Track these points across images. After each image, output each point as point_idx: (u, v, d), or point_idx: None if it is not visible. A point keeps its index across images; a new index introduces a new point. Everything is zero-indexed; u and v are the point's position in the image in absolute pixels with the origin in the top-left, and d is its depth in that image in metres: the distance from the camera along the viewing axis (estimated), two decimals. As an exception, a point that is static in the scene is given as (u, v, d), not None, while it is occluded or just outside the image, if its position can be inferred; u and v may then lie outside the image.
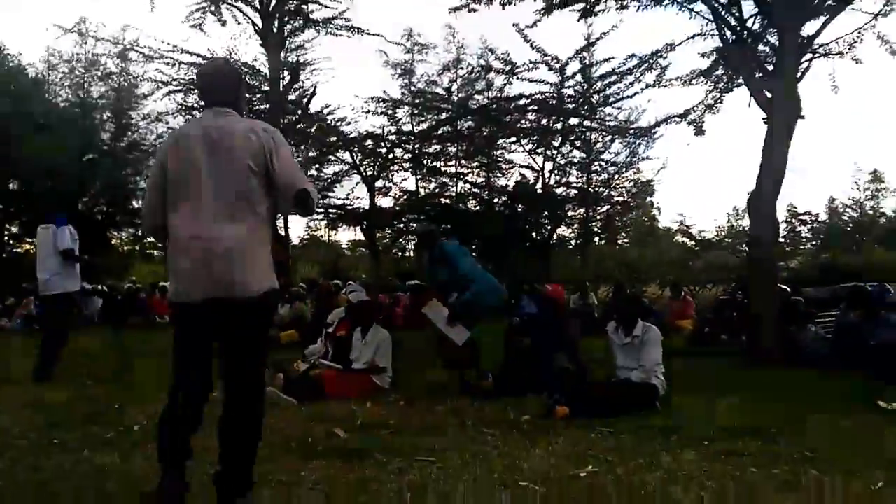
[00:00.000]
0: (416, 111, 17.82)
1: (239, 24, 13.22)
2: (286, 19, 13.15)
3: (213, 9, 13.06)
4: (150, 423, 4.63)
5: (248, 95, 15.13)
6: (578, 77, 16.25)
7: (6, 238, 23.23)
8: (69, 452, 3.83)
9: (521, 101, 15.18)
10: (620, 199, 18.79)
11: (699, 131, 11.20)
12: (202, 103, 3.05)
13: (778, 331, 7.87)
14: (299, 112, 15.01)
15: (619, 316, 5.67)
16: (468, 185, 19.16)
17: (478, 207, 18.58)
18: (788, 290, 8.88)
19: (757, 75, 8.71)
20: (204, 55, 13.94)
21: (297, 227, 34.45)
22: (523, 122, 16.14)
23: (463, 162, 18.70)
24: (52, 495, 3.12)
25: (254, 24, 12.66)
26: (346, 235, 35.46)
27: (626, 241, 24.91)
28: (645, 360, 5.30)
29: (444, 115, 16.91)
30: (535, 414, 4.80)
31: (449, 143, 17.17)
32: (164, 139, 2.87)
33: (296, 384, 5.77)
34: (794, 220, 28.37)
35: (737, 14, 8.73)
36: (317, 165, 20.11)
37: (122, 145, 22.72)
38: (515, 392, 5.50)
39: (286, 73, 14.53)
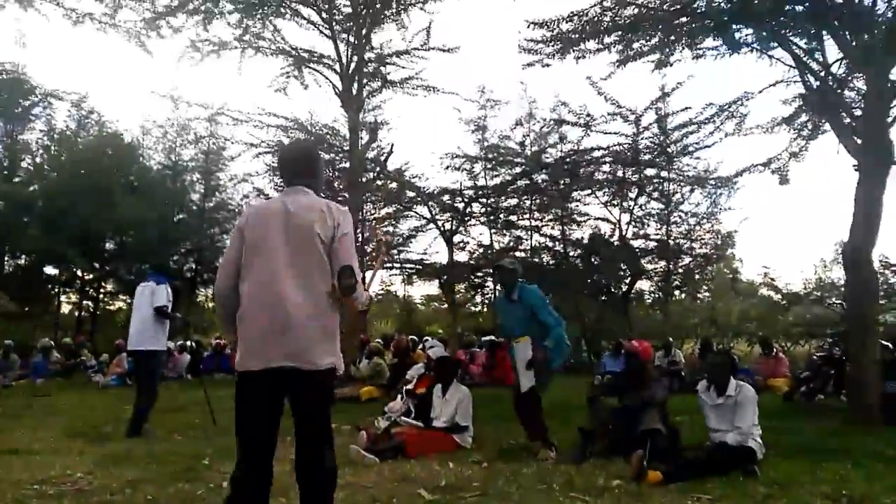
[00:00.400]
0: (489, 166, 18.03)
1: (320, 87, 13.76)
2: (365, 81, 13.62)
3: (296, 73, 13.66)
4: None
5: (330, 155, 15.84)
6: (654, 128, 16.17)
7: (101, 295, 24.58)
8: (163, 510, 3.91)
9: (597, 154, 15.14)
10: (702, 251, 18.27)
11: (784, 180, 10.83)
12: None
13: (880, 389, 7.36)
14: (378, 169, 15.41)
15: (711, 375, 5.43)
16: (543, 238, 19.08)
17: (552, 261, 18.41)
18: (890, 345, 8.31)
19: (845, 121, 8.39)
20: (289, 117, 14.61)
21: (372, 283, 34.94)
22: (598, 173, 16.05)
23: (537, 215, 18.67)
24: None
25: (334, 86, 13.13)
26: (420, 290, 35.68)
27: (707, 294, 24.11)
28: (741, 421, 5.04)
29: (517, 170, 17.02)
30: (625, 478, 4.60)
31: (525, 196, 17.20)
32: (246, 207, 3.03)
33: (378, 443, 5.76)
34: (886, 272, 26.70)
35: (820, 59, 8.49)
36: (392, 221, 20.56)
37: (210, 205, 23.86)
38: (601, 455, 5.32)
39: (365, 132, 15.02)
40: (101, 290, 24.45)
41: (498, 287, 21.23)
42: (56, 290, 26.29)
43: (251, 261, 2.91)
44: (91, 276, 23.40)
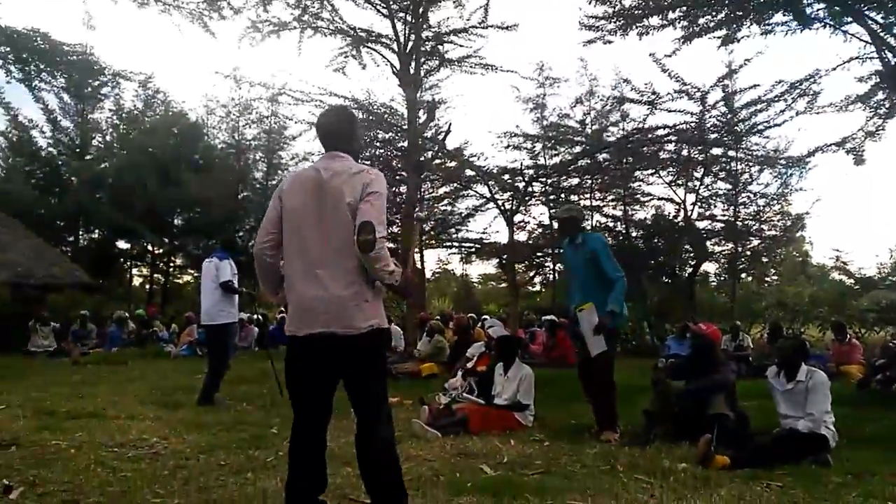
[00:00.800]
0: (549, 145, 17.78)
1: (378, 66, 13.77)
2: (423, 60, 13.55)
3: (354, 53, 13.69)
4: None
5: (389, 135, 15.89)
6: (721, 106, 15.64)
7: (170, 269, 25.50)
8: (235, 475, 4.04)
9: (661, 132, 14.76)
10: (771, 233, 17.64)
11: (859, 161, 10.37)
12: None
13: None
14: (436, 148, 15.39)
15: (781, 360, 5.25)
16: (604, 219, 18.77)
17: (614, 242, 18.10)
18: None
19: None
20: (348, 97, 14.72)
21: (429, 261, 35.19)
22: (663, 152, 15.64)
23: (598, 195, 18.36)
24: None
25: (392, 65, 13.13)
26: (478, 269, 35.61)
27: (776, 278, 23.35)
28: (812, 407, 4.88)
29: (578, 148, 16.73)
30: (691, 462, 4.49)
31: (586, 176, 16.94)
32: (285, 177, 3.08)
33: (440, 418, 5.80)
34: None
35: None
36: (449, 200, 20.54)
37: (272, 183, 24.35)
38: (666, 438, 5.22)
39: (423, 111, 14.98)
40: (171, 264, 25.38)
41: (558, 267, 21.09)
42: (128, 263, 27.39)
43: (288, 229, 2.97)
44: (161, 250, 24.30)
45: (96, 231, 25.52)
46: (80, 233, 25.78)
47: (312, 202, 2.91)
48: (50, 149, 26.12)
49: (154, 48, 54.53)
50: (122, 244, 26.22)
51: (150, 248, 24.92)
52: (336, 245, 2.85)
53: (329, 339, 2.82)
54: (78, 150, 25.78)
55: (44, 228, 23.13)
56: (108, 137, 26.53)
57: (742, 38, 9.24)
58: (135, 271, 27.74)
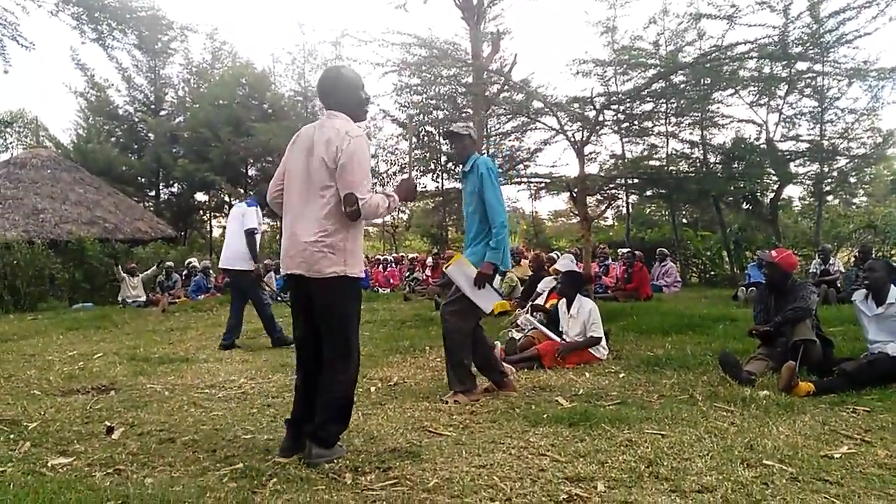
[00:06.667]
0: (620, 70, 17.06)
1: (439, -1, 13.48)
2: (485, -12, 13.14)
3: (415, -14, 13.44)
4: (384, 386, 4.97)
5: (452, 70, 15.61)
6: (806, 16, 14.54)
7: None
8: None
9: (741, 48, 13.90)
10: (859, 151, 16.55)
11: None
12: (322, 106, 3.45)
13: None
14: (502, 81, 15.04)
15: (870, 283, 4.97)
16: (681, 145, 18.03)
17: (691, 169, 17.40)
18: None
19: None
20: (412, 34, 14.49)
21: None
22: (743, 70, 14.75)
23: (674, 120, 17.59)
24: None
25: (453, -3, 12.77)
26: (547, 205, 35.09)
27: (864, 199, 22.05)
28: (904, 330, 4.62)
29: (652, 72, 15.97)
30: (774, 389, 4.36)
31: (661, 101, 16.23)
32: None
33: (514, 353, 5.82)
34: None
35: None
36: (517, 135, 20.15)
37: (339, 128, 24.58)
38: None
39: (487, 43, 14.59)
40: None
41: (632, 199, 20.54)
42: (207, 215, 28.38)
43: (287, 181, 3.31)
44: (238, 200, 25.05)
45: (175, 185, 26.50)
46: (161, 187, 26.85)
47: (302, 157, 3.22)
48: (126, 107, 27.06)
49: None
50: (201, 196, 27.13)
51: (227, 198, 25.66)
52: (307, 198, 3.17)
53: (300, 280, 3.19)
54: (153, 106, 26.60)
55: (126, 185, 24.19)
56: (180, 92, 27.26)
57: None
58: (214, 222, 28.74)
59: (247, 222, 7.26)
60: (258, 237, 7.45)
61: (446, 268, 4.63)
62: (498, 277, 4.70)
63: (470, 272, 4.42)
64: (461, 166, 4.72)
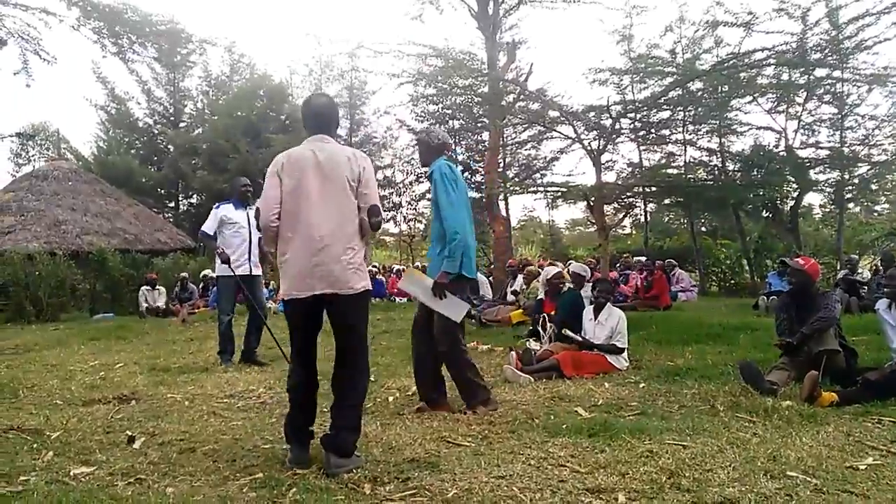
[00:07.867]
0: (637, 78, 17.01)
1: (455, 10, 13.55)
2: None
3: (431, -2, 13.52)
4: (402, 396, 4.96)
5: (468, 80, 15.66)
6: (824, 23, 14.42)
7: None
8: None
9: (759, 55, 13.81)
10: (881, 158, 16.33)
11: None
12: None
13: None
14: (518, 91, 15.08)
15: (892, 292, 4.90)
16: (698, 153, 17.92)
17: (709, 177, 17.26)
18: None
19: None
20: (428, 45, 14.58)
21: (515, 209, 34.91)
22: (761, 78, 14.64)
23: (691, 127, 17.49)
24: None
25: (470, 8, 12.86)
26: (564, 214, 35.04)
27: (886, 206, 21.74)
28: (928, 341, 4.54)
29: (669, 80, 15.90)
30: (796, 399, 4.30)
31: (678, 108, 16.16)
32: (278, 156, 3.26)
33: (532, 363, 5.79)
34: None
35: None
36: (533, 144, 20.15)
37: (356, 139, 24.65)
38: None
39: (503, 53, 14.64)
40: (257, 222, 26.44)
41: (650, 207, 20.39)
42: (227, 225, 28.56)
43: (291, 204, 3.27)
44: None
45: (194, 196, 26.76)
46: (180, 198, 27.12)
47: (313, 179, 3.25)
48: (146, 119, 27.40)
49: (234, 13, 55.71)
50: (220, 207, 27.30)
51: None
52: (337, 217, 3.23)
53: (317, 299, 3.23)
54: (172, 118, 26.92)
55: (146, 196, 24.46)
56: (199, 104, 27.58)
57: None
58: (234, 232, 28.93)
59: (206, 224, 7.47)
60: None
61: (400, 284, 4.50)
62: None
63: (426, 283, 4.33)
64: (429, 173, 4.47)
